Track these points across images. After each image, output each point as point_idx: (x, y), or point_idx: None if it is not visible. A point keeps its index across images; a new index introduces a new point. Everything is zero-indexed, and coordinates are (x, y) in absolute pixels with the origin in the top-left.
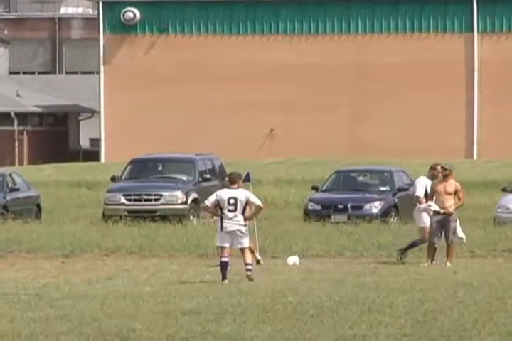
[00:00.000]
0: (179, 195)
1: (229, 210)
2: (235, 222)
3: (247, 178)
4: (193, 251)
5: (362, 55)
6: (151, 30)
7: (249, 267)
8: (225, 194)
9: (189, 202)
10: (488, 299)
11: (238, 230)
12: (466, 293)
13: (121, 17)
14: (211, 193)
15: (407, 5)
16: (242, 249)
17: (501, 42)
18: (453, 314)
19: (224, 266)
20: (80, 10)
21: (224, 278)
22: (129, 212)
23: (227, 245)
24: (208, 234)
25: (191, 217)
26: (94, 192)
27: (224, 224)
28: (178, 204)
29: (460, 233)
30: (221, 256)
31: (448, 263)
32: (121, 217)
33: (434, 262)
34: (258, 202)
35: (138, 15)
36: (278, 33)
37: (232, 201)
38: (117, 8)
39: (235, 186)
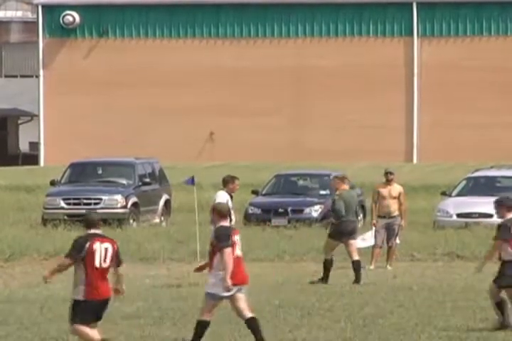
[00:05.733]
0: (119, 198)
1: None
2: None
3: (191, 181)
4: (133, 255)
5: (302, 58)
6: (91, 34)
7: None
8: None
9: (129, 206)
10: (428, 303)
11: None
12: (406, 297)
13: (61, 21)
14: (151, 197)
15: (347, 9)
16: None
17: (441, 46)
18: (393, 318)
19: None
20: (19, 13)
21: None
22: (69, 216)
23: None
24: (148, 238)
25: (131, 221)
26: (34, 196)
27: None
28: (117, 208)
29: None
30: None
31: (388, 266)
32: (60, 221)
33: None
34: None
35: (77, 19)
36: (218, 36)
37: None
38: (57, 11)
39: (224, 188)
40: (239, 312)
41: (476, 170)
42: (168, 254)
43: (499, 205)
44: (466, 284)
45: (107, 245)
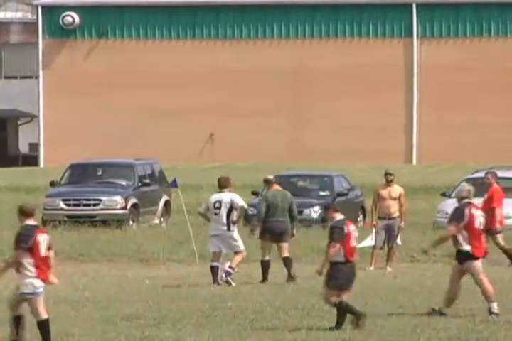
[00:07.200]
0: (118, 199)
1: (214, 214)
2: (218, 226)
3: (174, 185)
4: (133, 256)
5: (302, 59)
6: (91, 34)
7: (228, 269)
8: (212, 198)
9: (128, 207)
10: (427, 304)
11: (222, 234)
12: (406, 298)
13: (61, 21)
14: (150, 198)
15: (347, 10)
16: (235, 253)
17: (441, 47)
18: (392, 319)
19: (211, 270)
20: (19, 14)
21: (213, 281)
22: (68, 217)
23: (212, 249)
24: (148, 239)
25: (130, 222)
26: (33, 197)
27: (210, 228)
28: (117, 209)
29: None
30: (210, 260)
31: (388, 268)
32: (60, 222)
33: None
34: (241, 203)
35: (77, 19)
36: (218, 37)
37: (217, 204)
38: (56, 12)
39: (225, 190)
40: (34, 312)
41: (476, 171)
42: (168, 255)
43: (327, 209)
44: (465, 285)
45: None
